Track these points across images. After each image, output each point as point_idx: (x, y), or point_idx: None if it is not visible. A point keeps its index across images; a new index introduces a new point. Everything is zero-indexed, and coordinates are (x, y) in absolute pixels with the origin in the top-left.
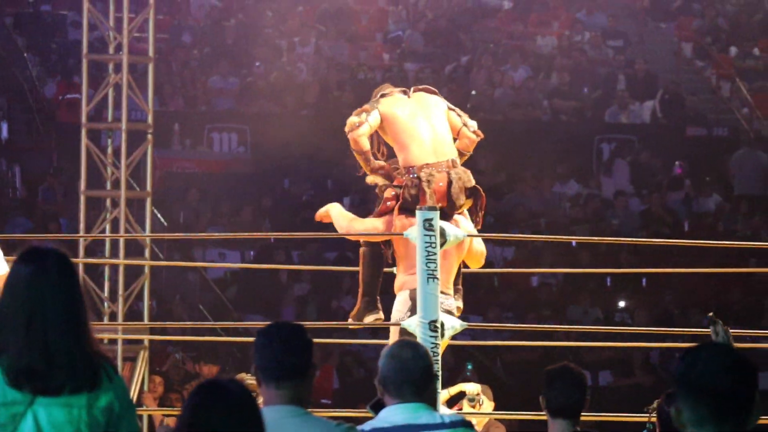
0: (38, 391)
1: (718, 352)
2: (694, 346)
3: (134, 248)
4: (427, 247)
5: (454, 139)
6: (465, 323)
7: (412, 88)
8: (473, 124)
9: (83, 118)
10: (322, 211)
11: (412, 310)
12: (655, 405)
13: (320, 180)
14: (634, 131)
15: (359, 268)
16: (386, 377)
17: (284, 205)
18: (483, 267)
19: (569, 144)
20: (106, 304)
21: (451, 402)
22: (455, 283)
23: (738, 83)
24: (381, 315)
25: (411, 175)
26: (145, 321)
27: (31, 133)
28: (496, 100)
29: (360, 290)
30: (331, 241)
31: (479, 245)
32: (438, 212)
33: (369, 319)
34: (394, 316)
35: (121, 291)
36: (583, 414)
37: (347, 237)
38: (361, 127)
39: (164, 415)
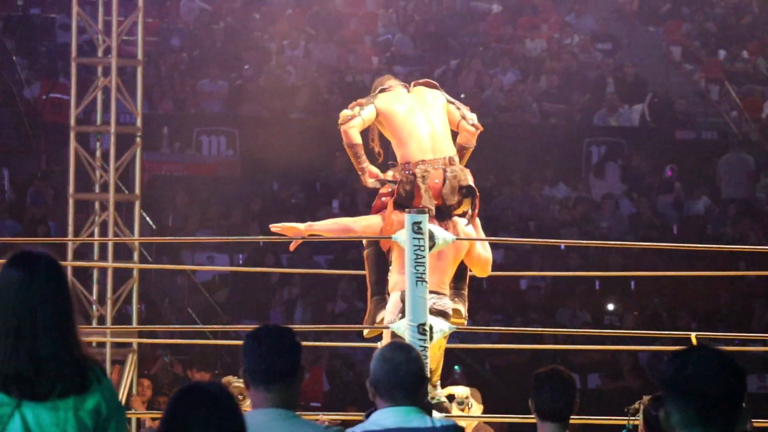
0: (25, 396)
1: (708, 355)
2: (683, 348)
3: (123, 251)
4: (415, 250)
5: (455, 133)
6: (453, 326)
7: (412, 83)
8: (472, 117)
9: (72, 121)
10: (285, 224)
11: (403, 313)
12: (636, 406)
13: (309, 183)
14: (623, 134)
15: (365, 272)
16: (378, 380)
17: (273, 208)
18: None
19: (558, 147)
20: (94, 307)
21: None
22: (460, 288)
23: (727, 86)
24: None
25: (406, 171)
26: (134, 324)
27: (20, 137)
28: (485, 103)
29: (369, 292)
30: (321, 245)
31: (484, 252)
32: (427, 215)
33: (380, 316)
34: (386, 318)
35: (109, 294)
36: (572, 417)
37: (337, 239)
38: (353, 120)
39: (152, 419)
